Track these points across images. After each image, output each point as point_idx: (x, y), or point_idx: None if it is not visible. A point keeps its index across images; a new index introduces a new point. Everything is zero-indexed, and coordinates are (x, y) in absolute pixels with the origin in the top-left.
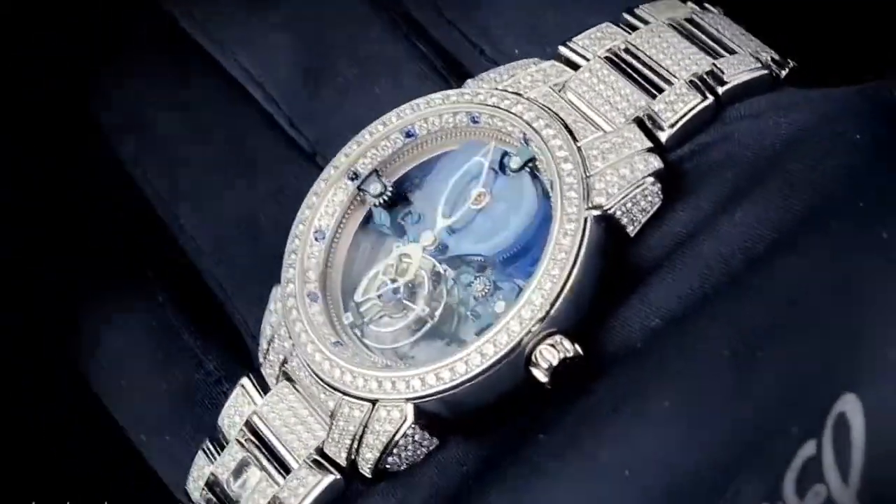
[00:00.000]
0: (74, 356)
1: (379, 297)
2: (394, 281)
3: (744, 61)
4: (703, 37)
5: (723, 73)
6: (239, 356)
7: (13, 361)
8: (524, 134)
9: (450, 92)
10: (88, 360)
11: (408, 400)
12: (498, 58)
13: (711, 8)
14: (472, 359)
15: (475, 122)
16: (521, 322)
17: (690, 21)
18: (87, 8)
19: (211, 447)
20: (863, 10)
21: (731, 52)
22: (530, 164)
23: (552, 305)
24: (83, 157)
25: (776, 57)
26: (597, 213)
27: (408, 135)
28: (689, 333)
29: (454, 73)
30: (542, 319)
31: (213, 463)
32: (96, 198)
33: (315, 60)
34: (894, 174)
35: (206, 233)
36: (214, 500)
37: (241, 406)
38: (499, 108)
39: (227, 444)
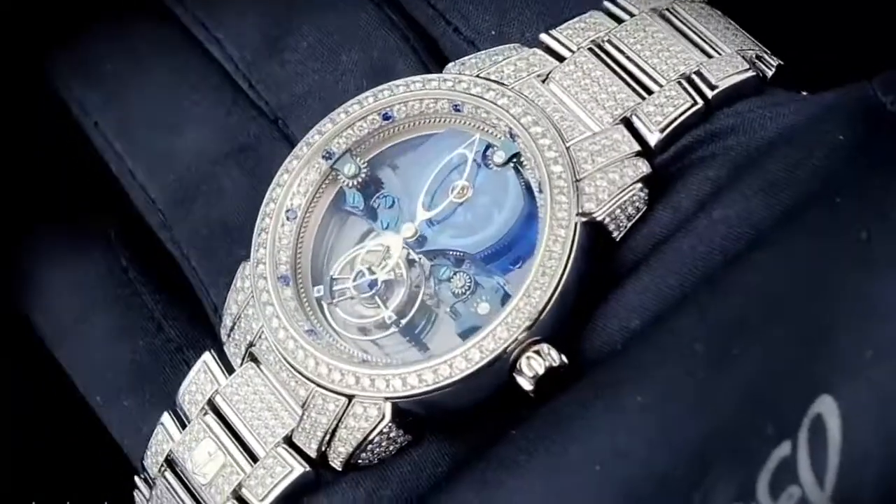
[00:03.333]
0: (26, 310)
1: (354, 286)
2: (371, 272)
3: (731, 62)
4: (689, 31)
5: (711, 75)
6: (200, 324)
7: None
8: (510, 129)
9: (430, 76)
10: (45, 317)
11: (387, 399)
12: (473, 37)
13: None
14: (457, 363)
15: (457, 109)
16: (508, 329)
17: (674, 12)
18: None
19: (172, 422)
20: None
21: (718, 49)
22: (515, 160)
23: (540, 314)
24: (41, 120)
25: (761, 54)
26: (586, 219)
27: (385, 117)
28: (665, 330)
29: (426, 49)
30: (529, 327)
31: (172, 440)
32: (58, 160)
33: (279, 26)
34: (873, 175)
35: (164, 192)
36: (174, 477)
37: (202, 384)
38: (483, 98)
39: (188, 421)
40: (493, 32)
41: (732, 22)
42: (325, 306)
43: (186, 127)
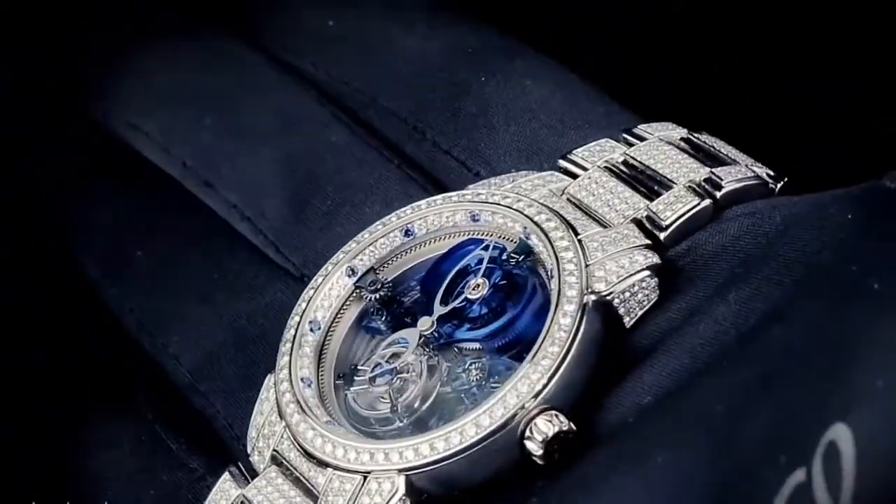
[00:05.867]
0: (63, 476)
1: (372, 380)
2: (388, 363)
3: (741, 170)
4: (700, 152)
5: (721, 179)
6: (222, 457)
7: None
8: (525, 228)
9: (450, 193)
10: (76, 478)
11: (400, 471)
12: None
13: (706, 136)
14: (467, 429)
15: (475, 220)
16: (517, 395)
17: (686, 140)
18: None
19: None
20: (855, 128)
21: (729, 161)
22: (528, 259)
23: (549, 381)
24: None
25: (771, 172)
26: (595, 298)
27: (406, 233)
28: (684, 398)
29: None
30: (537, 394)
31: None
32: (86, 330)
33: (302, 190)
34: (884, 242)
35: (191, 352)
36: None
37: (227, 490)
38: (499, 204)
39: None
40: (514, 171)
41: (741, 152)
42: (344, 404)
43: (216, 294)
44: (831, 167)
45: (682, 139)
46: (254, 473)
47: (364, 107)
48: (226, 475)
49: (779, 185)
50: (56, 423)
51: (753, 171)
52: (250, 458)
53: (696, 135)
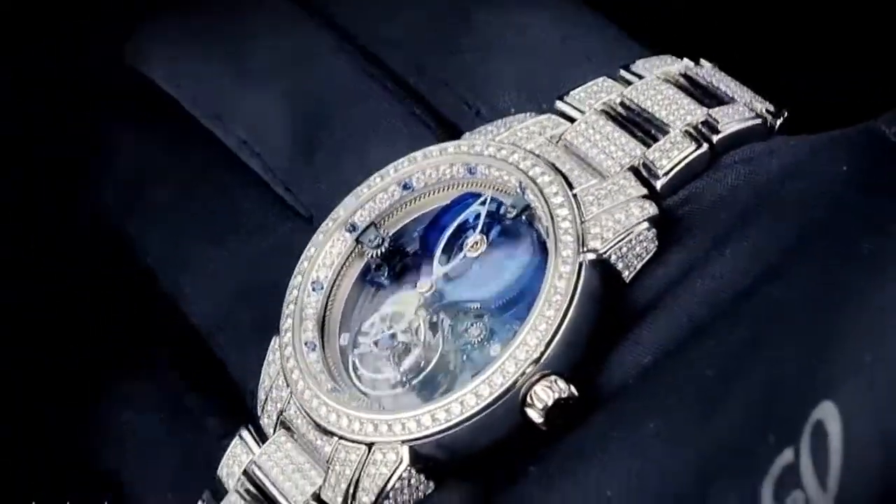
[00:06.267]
0: (81, 432)
1: (375, 343)
2: (390, 328)
3: (738, 111)
4: (699, 89)
5: (717, 122)
6: (240, 414)
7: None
8: (520, 182)
9: (446, 144)
10: (95, 435)
11: (403, 442)
12: (494, 117)
13: (706, 63)
14: (468, 399)
15: (472, 172)
16: (516, 363)
17: (685, 76)
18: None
19: (211, 498)
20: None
21: (726, 102)
22: (526, 213)
23: (547, 346)
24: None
25: (771, 108)
26: (592, 256)
27: (405, 187)
28: (678, 360)
29: (450, 135)
30: (536, 360)
31: None
32: (98, 274)
33: (309, 127)
34: (877, 199)
35: (207, 298)
36: None
37: (239, 456)
38: (495, 157)
39: (225, 493)
40: (513, 110)
41: (742, 85)
42: (349, 367)
43: (227, 234)
44: None
45: (681, 75)
46: (264, 436)
47: (370, 42)
48: (236, 440)
49: (778, 122)
50: (56, 423)
51: (752, 110)
52: (260, 421)
53: (695, 69)
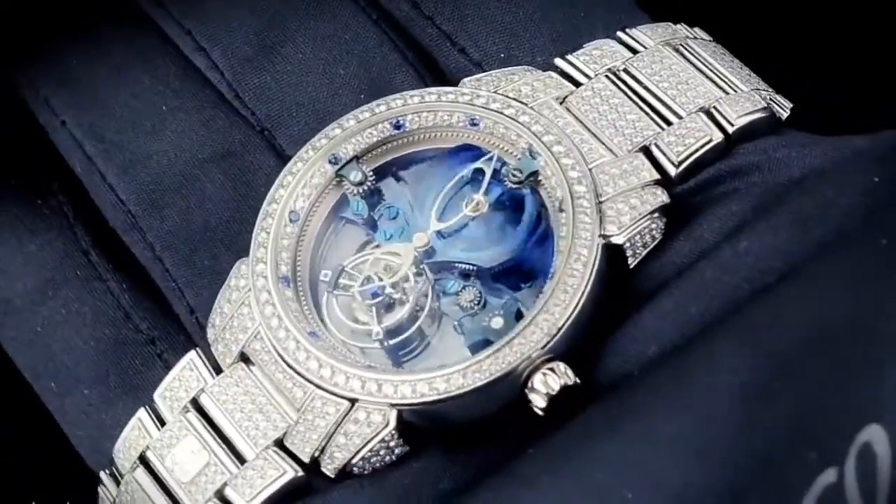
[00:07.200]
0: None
1: (361, 292)
2: (379, 279)
3: (749, 99)
4: (704, 67)
5: (730, 110)
6: (171, 321)
7: None
8: (530, 146)
9: (447, 89)
10: None
11: (393, 405)
12: (480, 59)
13: (703, 34)
14: (471, 373)
15: (474, 124)
16: (526, 343)
17: (688, 48)
18: None
19: (149, 418)
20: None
21: (734, 86)
22: (531, 178)
23: (559, 331)
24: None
25: (773, 96)
26: (606, 241)
27: (396, 126)
28: (696, 360)
29: (428, 68)
30: (546, 344)
31: (150, 436)
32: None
33: (273, 37)
34: None
35: (137, 193)
36: (147, 474)
37: (188, 381)
38: (503, 113)
39: (167, 418)
40: (502, 55)
41: (741, 63)
42: (322, 305)
43: (164, 131)
44: None
45: (683, 46)
46: (216, 364)
47: None
48: (184, 362)
49: (785, 114)
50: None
51: (761, 100)
52: (213, 348)
53: (694, 41)
